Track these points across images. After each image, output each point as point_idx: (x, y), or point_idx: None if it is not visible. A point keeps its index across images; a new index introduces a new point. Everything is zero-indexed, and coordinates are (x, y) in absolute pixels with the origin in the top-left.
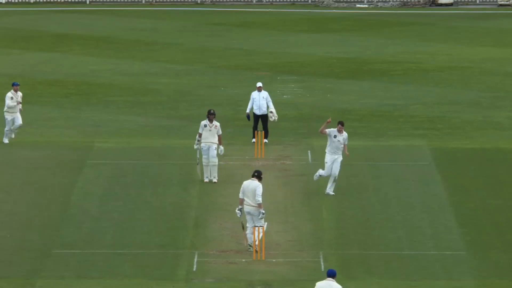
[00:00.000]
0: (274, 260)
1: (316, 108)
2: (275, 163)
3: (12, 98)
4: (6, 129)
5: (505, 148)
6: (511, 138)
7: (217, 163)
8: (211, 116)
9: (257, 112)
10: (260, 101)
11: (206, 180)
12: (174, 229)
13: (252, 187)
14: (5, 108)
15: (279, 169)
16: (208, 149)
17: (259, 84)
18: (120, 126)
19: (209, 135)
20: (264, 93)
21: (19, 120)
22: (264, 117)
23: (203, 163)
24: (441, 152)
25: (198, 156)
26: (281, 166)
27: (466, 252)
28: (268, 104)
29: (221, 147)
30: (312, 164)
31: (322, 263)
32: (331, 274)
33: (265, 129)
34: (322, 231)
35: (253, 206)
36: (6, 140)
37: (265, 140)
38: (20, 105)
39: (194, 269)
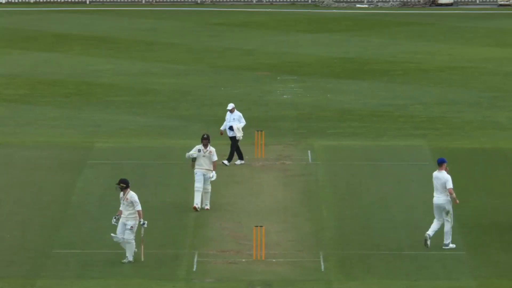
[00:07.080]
0: (274, 260)
1: (316, 108)
2: (275, 163)
3: None
4: None
5: (505, 148)
6: (511, 138)
7: (210, 191)
8: (205, 141)
9: (229, 134)
10: (230, 122)
11: (196, 205)
12: (174, 229)
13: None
14: None
15: (279, 169)
16: (203, 176)
17: (230, 106)
18: (120, 126)
19: (204, 162)
20: (236, 114)
21: None
22: (233, 139)
23: (196, 189)
24: (441, 152)
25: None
26: (281, 166)
27: (466, 252)
28: (236, 124)
29: (213, 173)
30: (312, 164)
31: (322, 263)
32: None
33: (231, 152)
34: (322, 231)
35: None
36: None
37: (227, 163)
38: None
39: (194, 269)
